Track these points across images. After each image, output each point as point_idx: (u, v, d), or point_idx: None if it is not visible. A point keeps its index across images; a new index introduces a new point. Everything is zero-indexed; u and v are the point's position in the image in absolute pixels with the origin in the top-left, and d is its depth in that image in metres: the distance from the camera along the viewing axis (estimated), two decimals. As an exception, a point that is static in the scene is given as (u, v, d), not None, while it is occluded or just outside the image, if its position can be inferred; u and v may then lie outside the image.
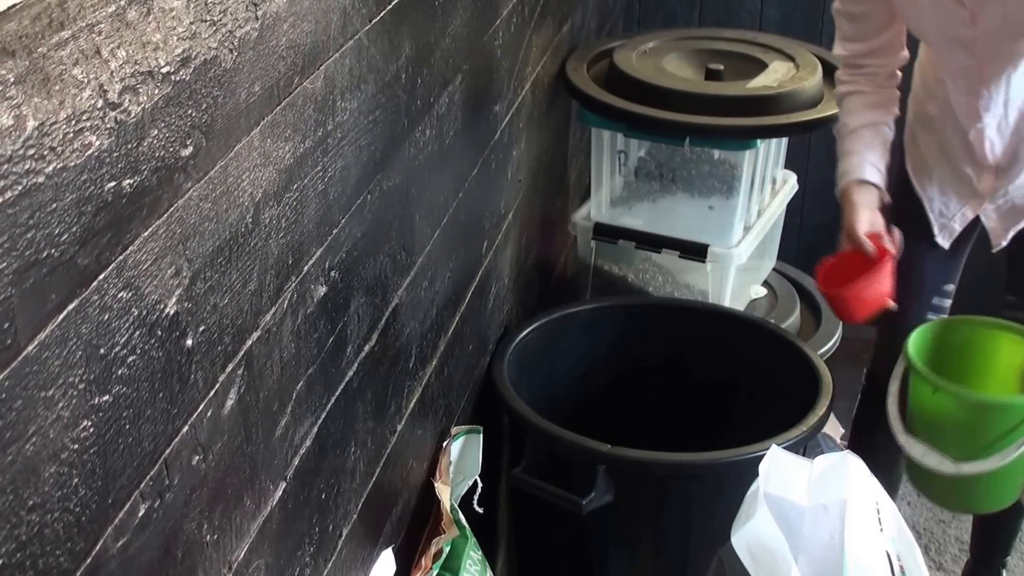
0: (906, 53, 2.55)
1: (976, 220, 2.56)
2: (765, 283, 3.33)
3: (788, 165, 3.33)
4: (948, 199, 2.56)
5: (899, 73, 2.57)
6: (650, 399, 2.81)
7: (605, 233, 3.06)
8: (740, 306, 3.12)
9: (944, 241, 2.60)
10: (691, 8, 3.90)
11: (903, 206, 2.63)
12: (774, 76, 2.94)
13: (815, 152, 3.80)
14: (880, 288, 2.45)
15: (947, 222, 2.58)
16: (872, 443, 2.94)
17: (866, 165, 2.50)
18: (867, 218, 2.47)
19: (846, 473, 1.98)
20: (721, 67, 2.99)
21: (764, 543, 1.83)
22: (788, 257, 3.45)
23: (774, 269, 3.38)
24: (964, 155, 2.48)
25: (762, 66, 3.00)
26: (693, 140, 2.89)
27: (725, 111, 2.82)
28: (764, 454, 2.02)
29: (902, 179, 2.64)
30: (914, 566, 1.94)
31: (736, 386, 2.72)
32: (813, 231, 3.91)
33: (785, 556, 1.81)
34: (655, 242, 3.01)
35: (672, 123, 2.82)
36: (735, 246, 2.95)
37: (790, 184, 3.33)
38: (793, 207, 3.36)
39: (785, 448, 2.09)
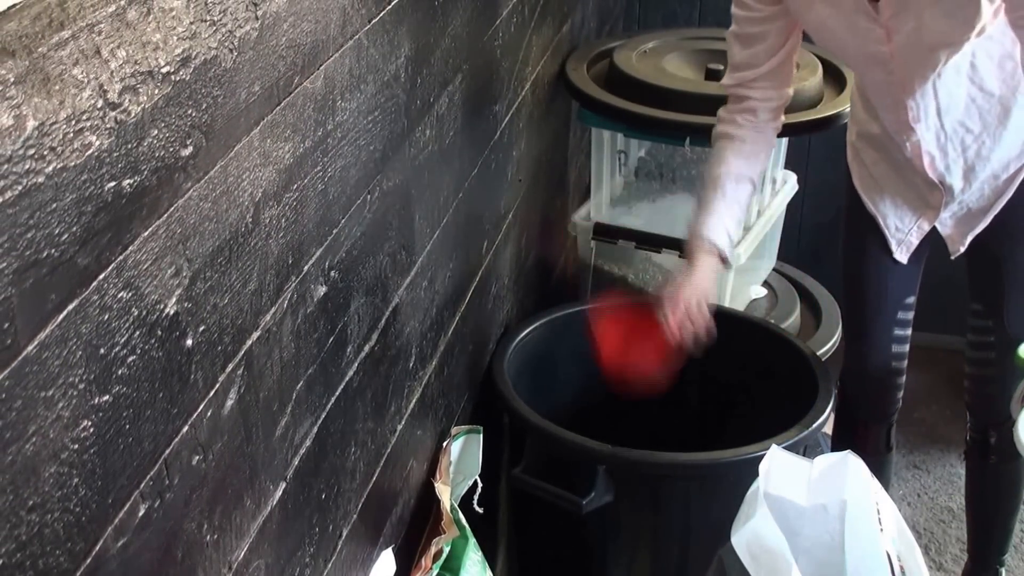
0: (790, 91, 2.49)
1: (932, 230, 2.54)
2: (765, 283, 3.34)
3: (788, 165, 3.33)
4: (902, 213, 2.53)
5: (780, 116, 2.51)
6: (650, 399, 2.81)
7: (605, 233, 3.06)
8: (740, 306, 3.13)
9: (902, 256, 2.57)
10: (691, 8, 3.90)
11: (857, 224, 2.62)
12: None
13: (815, 152, 3.80)
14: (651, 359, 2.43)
15: (904, 236, 2.55)
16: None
17: (720, 229, 2.46)
18: (694, 289, 2.44)
19: (846, 473, 1.98)
20: (721, 67, 2.98)
21: (764, 543, 1.83)
22: (788, 257, 3.45)
23: (774, 269, 3.38)
24: (911, 171, 2.46)
25: None
26: (693, 140, 2.89)
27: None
28: (764, 454, 2.02)
29: (852, 198, 2.61)
30: (914, 566, 1.94)
31: (736, 386, 2.72)
32: (813, 231, 3.92)
33: (785, 556, 1.81)
34: (655, 242, 3.01)
35: (672, 123, 2.83)
36: (735, 246, 2.95)
37: (790, 184, 3.33)
38: (793, 207, 3.37)
39: (785, 448, 2.09)
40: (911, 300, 2.67)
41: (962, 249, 2.52)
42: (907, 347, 2.72)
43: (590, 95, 2.92)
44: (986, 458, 2.77)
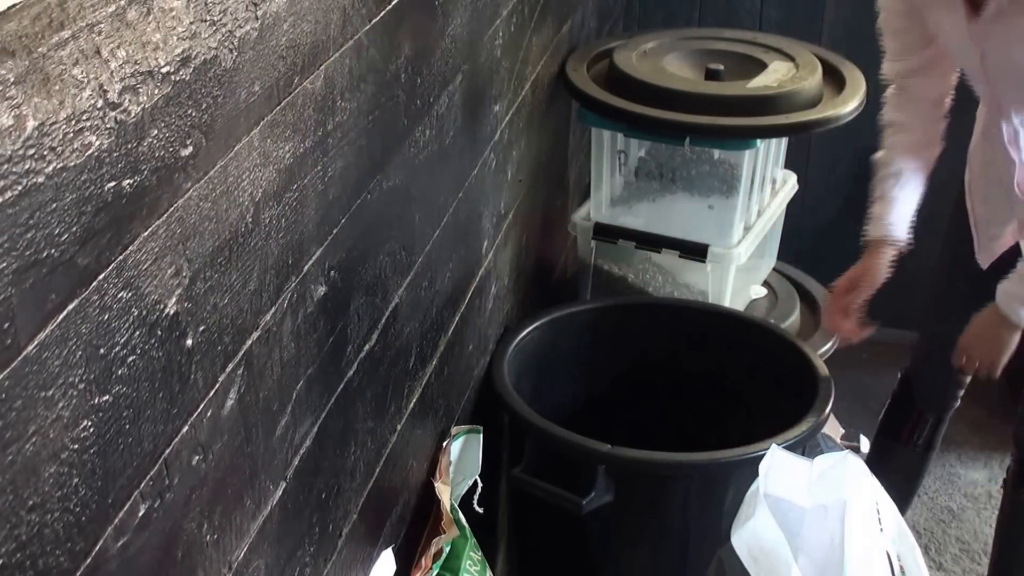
0: (954, 79, 2.52)
1: (1017, 249, 2.53)
2: (765, 283, 3.34)
3: (788, 165, 3.33)
4: (991, 219, 2.55)
5: (947, 103, 2.54)
6: (650, 399, 2.81)
7: (605, 233, 3.06)
8: (740, 306, 3.13)
9: (983, 260, 2.58)
10: (691, 8, 3.90)
11: (957, 220, 2.64)
12: (774, 76, 2.94)
13: (815, 152, 3.80)
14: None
15: (988, 242, 2.56)
16: (895, 448, 2.96)
17: (905, 224, 2.56)
18: (870, 279, 2.61)
19: (846, 473, 1.98)
20: (721, 67, 2.99)
21: (764, 543, 1.83)
22: (788, 257, 3.45)
23: (774, 269, 3.38)
24: (1010, 183, 2.45)
25: (762, 66, 3.00)
26: (693, 140, 2.89)
27: (725, 111, 2.82)
28: (764, 454, 2.02)
29: (960, 194, 2.64)
30: (914, 566, 1.94)
31: (736, 386, 2.72)
32: (813, 231, 3.92)
33: (785, 556, 1.81)
34: (655, 242, 3.01)
35: (672, 123, 2.82)
36: (735, 246, 2.96)
37: (790, 184, 3.34)
38: (793, 207, 3.37)
39: (785, 448, 2.10)
40: None
41: None
42: None
43: (590, 95, 2.92)
44: (1018, 492, 2.75)
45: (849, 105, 2.87)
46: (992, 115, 2.39)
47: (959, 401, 2.89)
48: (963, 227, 2.63)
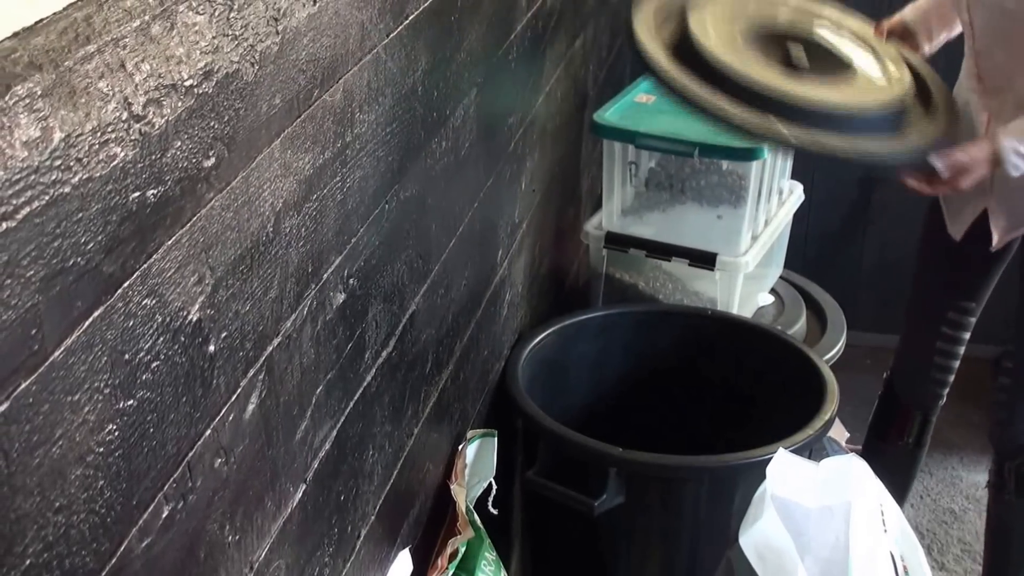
0: None
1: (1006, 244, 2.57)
2: (772, 290, 3.35)
3: (794, 176, 3.35)
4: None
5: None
6: (660, 404, 2.83)
7: (616, 242, 3.07)
8: (748, 313, 3.14)
9: (955, 231, 2.60)
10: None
11: (929, 215, 2.67)
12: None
13: (820, 162, 3.82)
14: None
15: (958, 209, 2.59)
16: (885, 447, 2.97)
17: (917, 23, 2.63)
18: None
19: (851, 476, 1.99)
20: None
21: (771, 544, 1.85)
22: (794, 265, 3.47)
23: (781, 277, 3.40)
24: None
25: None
26: (702, 152, 2.89)
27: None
28: (771, 457, 2.03)
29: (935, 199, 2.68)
30: (917, 566, 1.96)
31: (744, 391, 2.73)
32: (818, 240, 3.94)
33: (792, 557, 1.83)
34: (665, 251, 3.03)
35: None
36: (743, 254, 2.97)
37: (796, 194, 3.35)
38: (799, 216, 3.38)
39: (792, 451, 2.11)
40: (965, 305, 2.71)
41: (995, 241, 2.55)
42: (957, 348, 2.78)
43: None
44: (1001, 493, 2.77)
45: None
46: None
47: (944, 399, 2.91)
48: (937, 224, 2.67)
